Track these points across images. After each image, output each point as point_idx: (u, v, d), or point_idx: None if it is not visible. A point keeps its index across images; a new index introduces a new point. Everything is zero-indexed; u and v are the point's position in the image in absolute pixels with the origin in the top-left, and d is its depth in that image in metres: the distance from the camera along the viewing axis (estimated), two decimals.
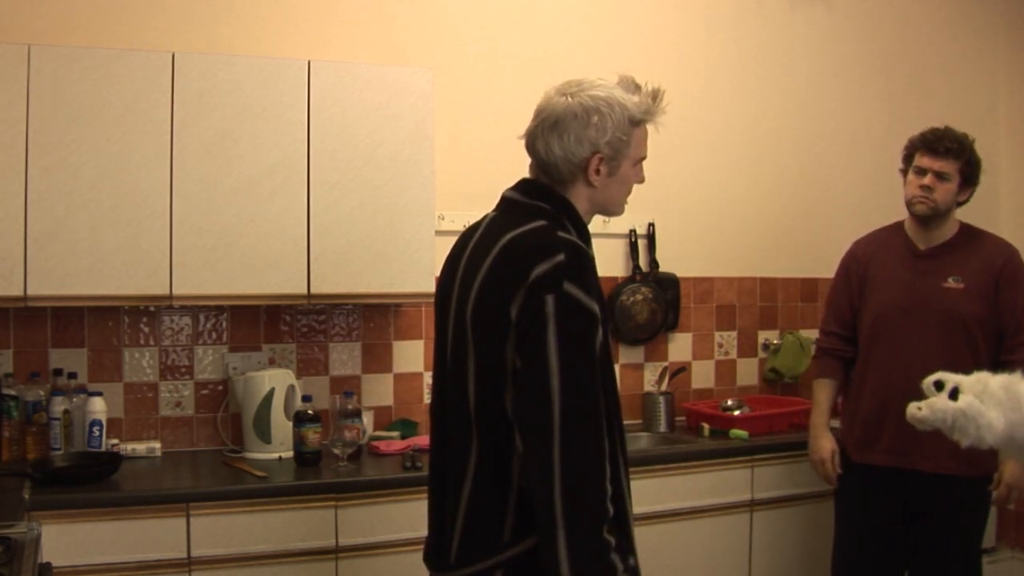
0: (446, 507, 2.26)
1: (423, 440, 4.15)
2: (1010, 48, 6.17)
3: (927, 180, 3.87)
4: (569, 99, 2.28)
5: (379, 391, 4.50)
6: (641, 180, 2.40)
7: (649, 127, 2.37)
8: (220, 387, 4.23)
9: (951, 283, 3.88)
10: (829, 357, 4.18)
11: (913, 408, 2.60)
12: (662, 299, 5.02)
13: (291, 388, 4.07)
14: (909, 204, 3.94)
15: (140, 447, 3.98)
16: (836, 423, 4.21)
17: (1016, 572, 5.80)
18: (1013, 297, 3.86)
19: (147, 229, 3.72)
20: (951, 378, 2.59)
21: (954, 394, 2.56)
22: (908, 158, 4.01)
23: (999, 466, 3.86)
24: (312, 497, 3.58)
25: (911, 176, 3.94)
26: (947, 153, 3.86)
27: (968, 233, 4.01)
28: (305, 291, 3.94)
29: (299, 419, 3.90)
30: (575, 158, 2.25)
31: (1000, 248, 3.97)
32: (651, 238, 5.02)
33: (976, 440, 2.55)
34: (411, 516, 3.60)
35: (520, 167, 2.40)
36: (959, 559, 3.92)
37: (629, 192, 2.39)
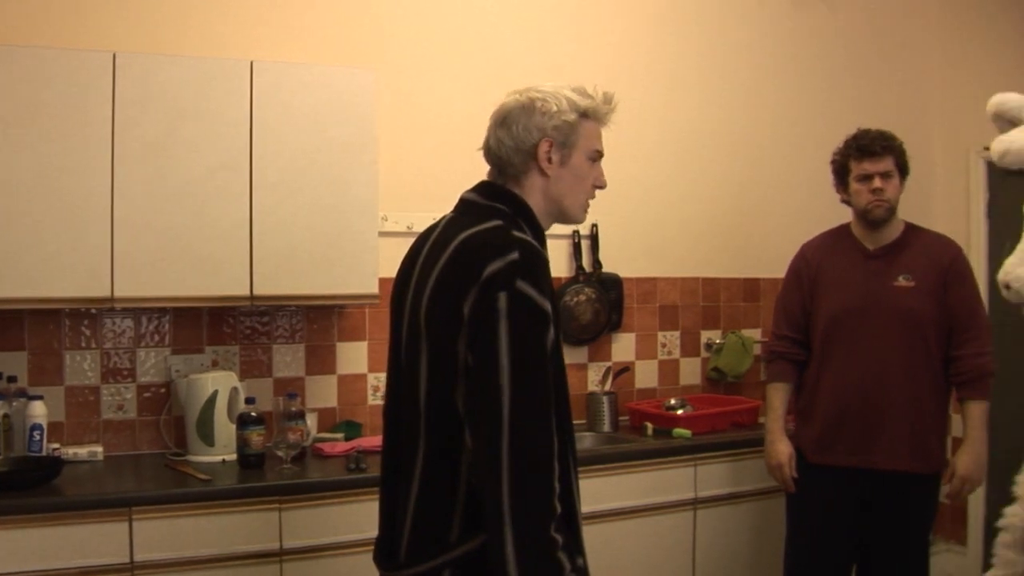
0: (396, 506, 2.26)
1: (367, 441, 4.15)
2: (943, 52, 6.27)
3: (876, 183, 3.93)
4: (518, 96, 2.35)
5: (323, 393, 4.48)
6: (602, 184, 2.43)
7: (603, 130, 2.41)
8: (163, 390, 4.20)
9: (902, 282, 3.95)
10: (782, 361, 4.22)
11: None
12: (605, 299, 5.05)
13: (234, 390, 4.05)
14: (866, 213, 3.98)
15: (82, 451, 3.93)
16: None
17: (951, 563, 5.99)
18: (961, 294, 3.94)
19: (88, 231, 3.68)
20: None
21: None
22: (841, 170, 4.06)
23: (951, 461, 3.96)
24: (256, 500, 3.56)
25: (856, 185, 3.98)
26: (884, 151, 3.94)
27: (913, 232, 4.08)
28: (248, 292, 3.91)
29: (242, 421, 3.88)
30: (525, 145, 2.30)
31: (946, 246, 4.05)
32: (594, 239, 5.05)
33: None
34: (355, 518, 3.61)
35: (464, 167, 2.42)
36: (911, 553, 4.01)
37: (588, 194, 2.42)
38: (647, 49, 5.27)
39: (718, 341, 5.42)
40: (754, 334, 5.46)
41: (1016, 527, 2.62)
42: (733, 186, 5.52)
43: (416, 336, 2.20)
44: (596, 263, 5.06)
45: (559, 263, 4.99)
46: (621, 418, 4.97)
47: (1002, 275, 2.34)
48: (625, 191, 5.06)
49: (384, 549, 2.33)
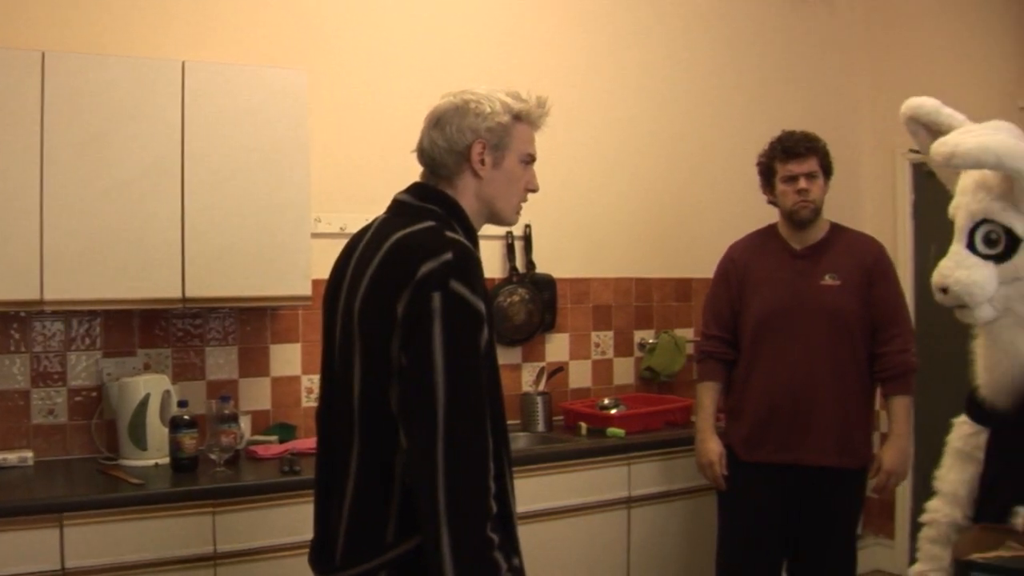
0: (331, 508, 2.26)
1: (301, 444, 4.13)
2: (870, 56, 6.39)
3: (801, 184, 4.00)
4: (452, 98, 2.36)
5: (256, 395, 4.45)
6: (534, 187, 2.44)
7: (536, 134, 2.43)
8: (94, 394, 4.14)
9: (828, 281, 4.01)
10: (711, 360, 4.27)
11: None
12: (539, 300, 5.06)
13: (167, 393, 4.01)
14: (792, 213, 4.05)
15: (11, 456, 3.87)
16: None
17: (879, 556, 6.15)
18: (885, 292, 4.03)
19: (16, 232, 3.62)
20: None
21: None
22: (767, 172, 4.13)
23: (877, 456, 4.05)
24: (189, 504, 3.53)
25: (782, 187, 4.06)
26: (808, 152, 4.03)
27: (838, 231, 4.16)
28: (180, 295, 3.88)
29: (175, 425, 3.85)
30: (458, 146, 2.31)
31: (869, 245, 4.14)
32: (528, 239, 5.06)
33: None
34: (290, 520, 3.59)
35: (396, 168, 2.42)
36: (839, 547, 4.10)
37: (521, 197, 2.43)
38: (581, 52, 5.30)
39: (651, 341, 5.46)
40: (687, 334, 5.51)
41: (940, 522, 2.68)
42: (665, 187, 5.57)
43: (349, 337, 2.20)
44: (529, 264, 5.07)
45: (493, 264, 5.00)
46: (555, 418, 4.99)
47: (938, 278, 2.38)
48: (559, 192, 5.08)
49: (319, 551, 2.32)
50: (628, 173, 5.44)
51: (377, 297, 2.15)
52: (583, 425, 4.79)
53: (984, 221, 2.36)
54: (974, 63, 5.73)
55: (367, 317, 2.16)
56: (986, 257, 2.35)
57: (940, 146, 2.30)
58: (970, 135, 2.29)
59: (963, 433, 2.72)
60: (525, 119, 2.38)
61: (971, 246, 2.38)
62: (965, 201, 2.42)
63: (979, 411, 2.59)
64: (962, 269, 2.36)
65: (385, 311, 2.10)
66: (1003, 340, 2.39)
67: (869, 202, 6.32)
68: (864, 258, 4.06)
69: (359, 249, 2.30)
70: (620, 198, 5.41)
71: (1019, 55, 5.57)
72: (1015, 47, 5.60)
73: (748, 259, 4.22)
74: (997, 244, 2.33)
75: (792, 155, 4.03)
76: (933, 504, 2.73)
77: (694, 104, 5.68)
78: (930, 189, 5.68)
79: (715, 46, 5.78)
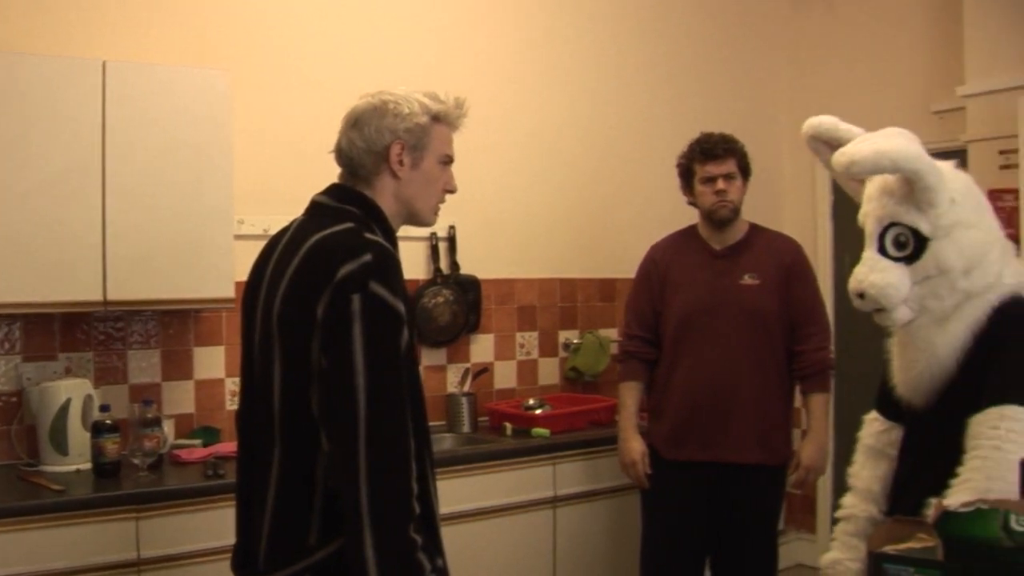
0: (253, 513, 2.25)
1: (226, 447, 4.10)
2: (791, 61, 6.50)
3: (720, 185, 4.07)
4: (370, 98, 2.37)
5: (180, 399, 4.41)
6: (452, 188, 2.45)
7: (457, 135, 2.44)
8: (14, 399, 4.07)
9: (747, 280, 4.09)
10: (633, 360, 4.31)
11: None
12: (463, 301, 5.07)
13: (88, 398, 3.96)
14: (711, 213, 4.12)
15: None
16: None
17: (801, 550, 6.26)
18: (803, 291, 4.12)
19: None
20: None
21: None
22: (686, 173, 4.20)
23: (796, 452, 4.14)
24: (112, 509, 3.50)
25: (701, 188, 4.13)
26: (726, 154, 4.10)
27: (757, 232, 4.23)
28: (101, 298, 3.83)
29: (97, 429, 3.80)
30: (376, 147, 2.31)
31: (788, 245, 4.22)
32: (452, 240, 5.07)
33: None
34: (214, 524, 3.56)
35: (319, 169, 2.42)
36: (761, 542, 4.18)
37: (439, 198, 2.44)
38: (506, 54, 5.32)
39: (575, 341, 5.49)
40: (611, 333, 5.55)
41: (857, 517, 2.74)
42: (589, 188, 5.61)
43: (269, 340, 2.20)
44: (454, 265, 5.08)
45: (417, 265, 4.99)
46: (480, 419, 5.00)
47: (854, 284, 2.44)
48: (483, 193, 5.10)
49: (242, 556, 2.32)
50: (552, 174, 5.47)
51: (296, 299, 2.15)
52: (508, 425, 4.81)
53: (892, 225, 2.43)
54: (889, 70, 5.87)
55: (286, 320, 2.16)
56: (897, 259, 2.41)
57: (839, 156, 2.37)
58: (865, 143, 2.36)
59: (875, 430, 2.78)
60: (443, 120, 2.39)
61: (882, 250, 2.44)
62: (872, 208, 2.49)
63: (893, 409, 2.65)
64: (876, 273, 2.42)
65: (305, 313, 2.10)
66: (920, 339, 2.45)
67: (789, 204, 6.43)
68: (783, 258, 4.14)
69: (277, 251, 2.30)
70: (544, 199, 5.43)
71: (932, 62, 5.73)
72: (928, 55, 5.76)
73: (669, 259, 4.28)
74: (906, 246, 2.40)
75: (710, 156, 4.11)
76: (848, 500, 2.80)
77: (618, 107, 5.73)
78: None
79: (640, 49, 5.83)
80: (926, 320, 2.43)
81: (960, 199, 2.40)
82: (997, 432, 2.10)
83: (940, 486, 2.13)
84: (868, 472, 2.74)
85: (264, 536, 2.19)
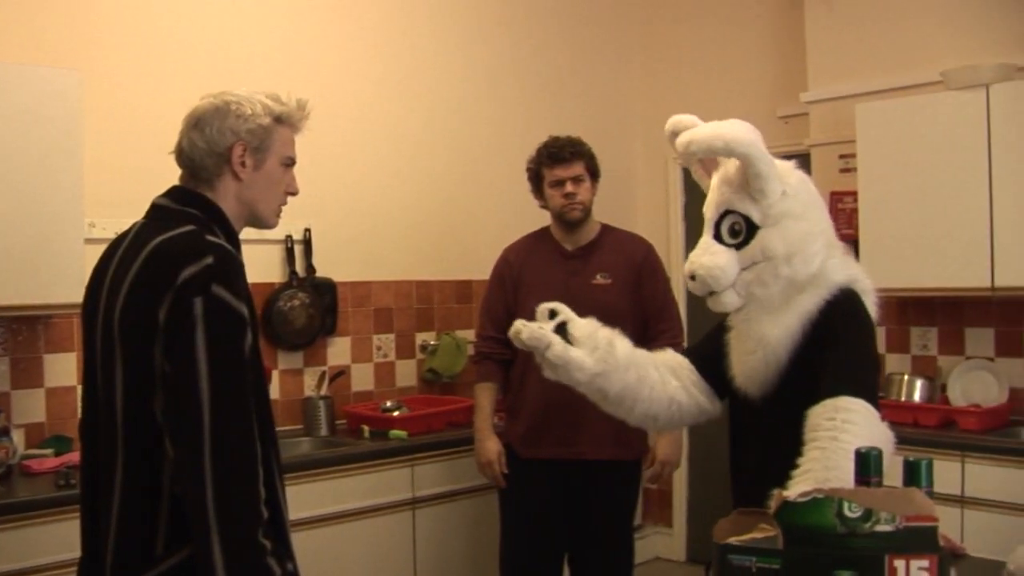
0: (98, 523, 2.20)
1: (79, 456, 4.00)
2: (643, 65, 6.64)
3: (568, 188, 4.13)
4: (211, 99, 2.34)
5: (30, 407, 4.27)
6: (294, 190, 2.44)
7: (296, 137, 2.43)
8: None
9: (599, 279, 4.16)
10: (488, 361, 4.35)
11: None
12: (319, 304, 5.04)
13: None
14: (561, 215, 4.18)
15: None
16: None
17: (659, 544, 6.44)
18: (653, 288, 4.21)
19: None
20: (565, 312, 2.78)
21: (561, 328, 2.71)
22: (536, 177, 4.27)
23: (651, 447, 4.22)
24: None
25: (550, 191, 4.20)
26: (573, 157, 4.17)
27: (608, 232, 4.31)
28: None
29: None
30: (219, 147, 2.28)
31: (638, 244, 4.31)
32: (308, 243, 5.03)
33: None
34: (67, 536, 3.44)
35: (173, 172, 2.39)
36: (618, 537, 4.26)
37: (281, 200, 2.43)
38: (358, 57, 5.30)
39: (433, 342, 5.51)
40: (467, 335, 5.57)
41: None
42: (445, 191, 5.63)
43: (111, 346, 2.16)
44: (309, 268, 5.05)
45: (272, 268, 4.95)
46: (338, 422, 4.97)
47: (688, 266, 2.57)
48: (339, 196, 5.08)
49: (88, 568, 2.27)
50: (408, 177, 5.47)
51: (138, 304, 2.11)
52: (366, 428, 4.80)
53: (728, 212, 2.54)
54: (738, 76, 6.05)
55: (128, 325, 2.12)
56: (730, 246, 2.53)
57: (681, 137, 2.47)
58: (706, 126, 2.46)
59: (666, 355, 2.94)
60: (286, 122, 2.37)
61: (718, 236, 2.56)
62: (712, 196, 2.62)
63: (732, 400, 2.76)
64: (707, 256, 2.53)
65: (146, 318, 2.06)
66: (753, 331, 2.55)
67: (643, 205, 6.57)
68: (633, 257, 4.23)
69: (118, 256, 2.25)
70: (400, 202, 5.43)
71: (777, 70, 5.93)
72: (774, 62, 5.95)
73: (522, 261, 4.33)
74: (740, 234, 2.52)
75: (557, 160, 4.17)
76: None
77: (473, 109, 5.76)
78: (700, 192, 5.96)
79: (494, 53, 5.87)
80: (757, 312, 2.54)
81: (792, 192, 2.51)
82: (833, 423, 2.18)
83: (782, 476, 2.21)
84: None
85: (110, 546, 2.15)
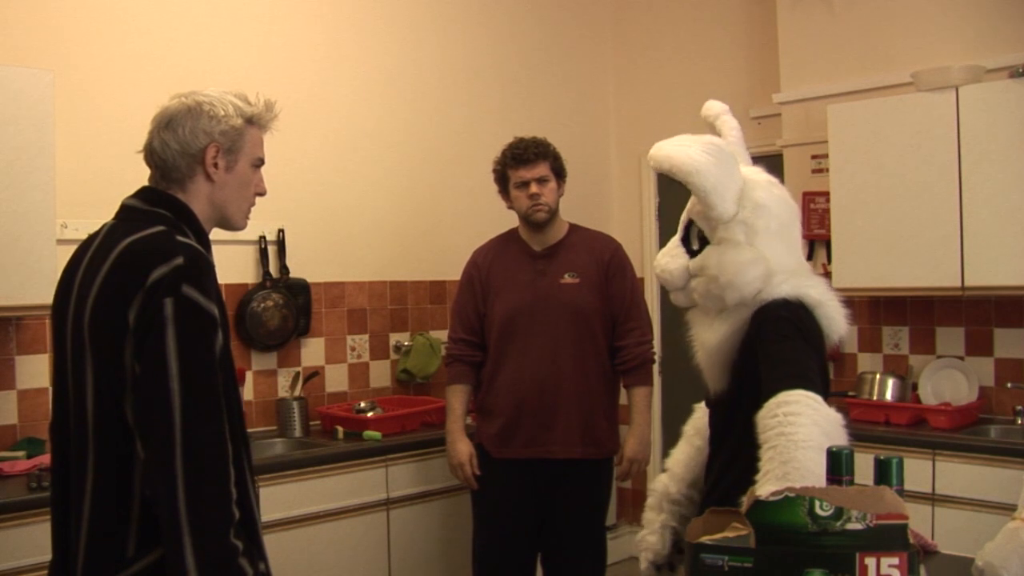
0: (69, 526, 2.19)
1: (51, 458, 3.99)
2: (617, 67, 6.66)
3: (533, 189, 4.16)
4: (182, 99, 2.33)
5: (2, 409, 4.24)
6: (263, 191, 2.44)
7: (265, 137, 2.43)
8: None
9: (568, 279, 4.18)
10: (460, 363, 4.37)
11: None
12: (293, 305, 5.04)
13: None
14: (527, 216, 4.21)
15: None
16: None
17: (634, 544, 6.32)
18: (621, 287, 4.24)
19: None
20: None
21: None
22: (502, 179, 4.30)
23: (620, 446, 4.26)
24: None
25: (516, 192, 4.23)
26: (537, 158, 4.20)
27: (576, 232, 4.34)
28: None
29: None
30: (192, 149, 2.28)
31: (606, 244, 4.33)
32: (281, 244, 5.02)
33: None
34: (39, 539, 3.45)
35: (145, 172, 2.38)
36: (591, 536, 4.27)
37: (250, 201, 2.42)
38: (334, 57, 5.29)
39: (406, 343, 5.51)
40: (441, 335, 5.56)
41: (656, 491, 2.95)
42: (419, 191, 5.63)
43: (81, 348, 2.15)
44: (283, 268, 5.04)
45: (246, 269, 4.94)
46: (312, 423, 4.97)
47: (655, 269, 2.70)
48: (313, 197, 5.07)
49: (58, 571, 2.26)
50: (382, 178, 5.47)
51: (108, 305, 2.10)
52: (340, 429, 4.80)
53: (692, 222, 2.67)
54: (711, 77, 6.07)
55: (98, 327, 2.11)
56: (693, 252, 2.64)
57: (656, 150, 2.53)
58: (668, 145, 2.53)
59: (694, 416, 3.00)
60: (256, 123, 2.37)
61: (686, 240, 2.69)
62: (689, 203, 2.69)
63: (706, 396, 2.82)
64: (665, 257, 2.70)
65: (116, 319, 2.06)
66: (695, 331, 2.68)
67: (616, 205, 6.59)
68: (601, 256, 4.26)
69: (87, 257, 2.24)
70: (374, 202, 5.43)
71: (750, 71, 5.96)
72: (747, 64, 5.99)
73: (491, 262, 4.35)
74: (702, 243, 2.63)
75: (522, 161, 4.19)
76: (660, 477, 3.01)
77: (445, 110, 5.77)
78: (673, 192, 5.98)
79: (467, 54, 5.88)
80: (699, 316, 2.67)
81: (747, 216, 2.56)
82: (777, 419, 2.22)
83: (723, 477, 2.27)
84: (677, 454, 3.01)
85: (80, 549, 2.14)
